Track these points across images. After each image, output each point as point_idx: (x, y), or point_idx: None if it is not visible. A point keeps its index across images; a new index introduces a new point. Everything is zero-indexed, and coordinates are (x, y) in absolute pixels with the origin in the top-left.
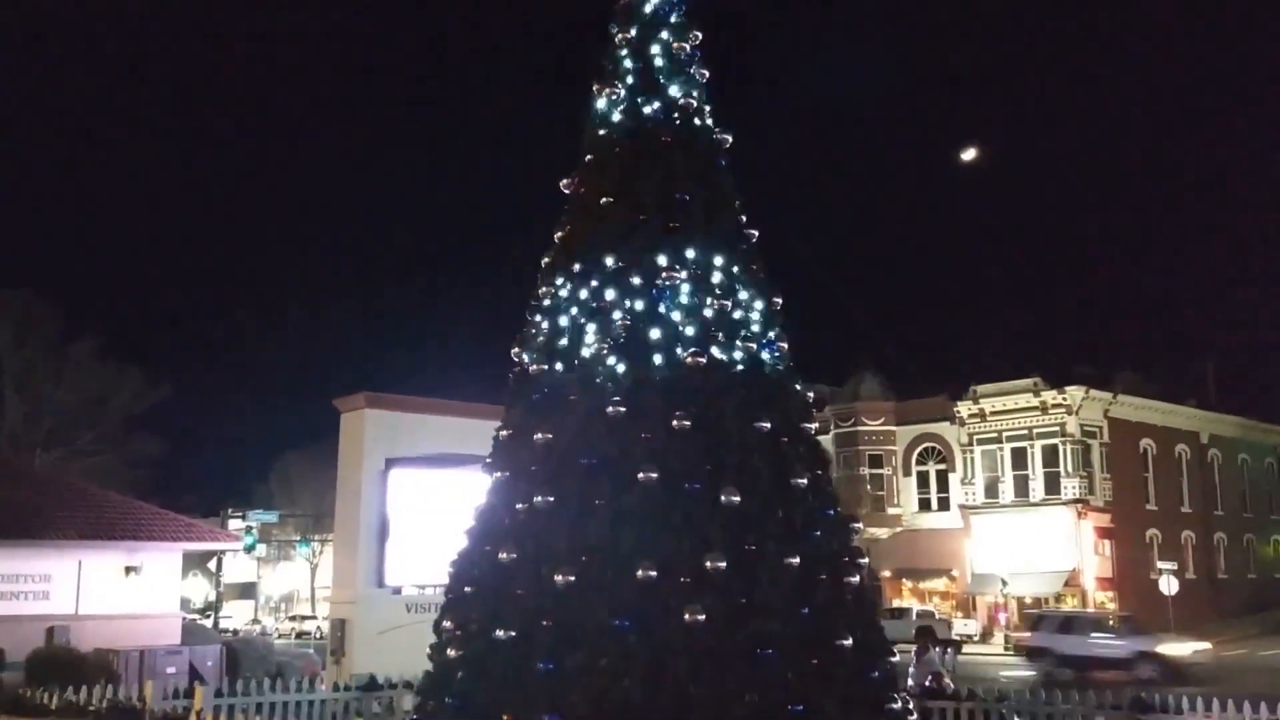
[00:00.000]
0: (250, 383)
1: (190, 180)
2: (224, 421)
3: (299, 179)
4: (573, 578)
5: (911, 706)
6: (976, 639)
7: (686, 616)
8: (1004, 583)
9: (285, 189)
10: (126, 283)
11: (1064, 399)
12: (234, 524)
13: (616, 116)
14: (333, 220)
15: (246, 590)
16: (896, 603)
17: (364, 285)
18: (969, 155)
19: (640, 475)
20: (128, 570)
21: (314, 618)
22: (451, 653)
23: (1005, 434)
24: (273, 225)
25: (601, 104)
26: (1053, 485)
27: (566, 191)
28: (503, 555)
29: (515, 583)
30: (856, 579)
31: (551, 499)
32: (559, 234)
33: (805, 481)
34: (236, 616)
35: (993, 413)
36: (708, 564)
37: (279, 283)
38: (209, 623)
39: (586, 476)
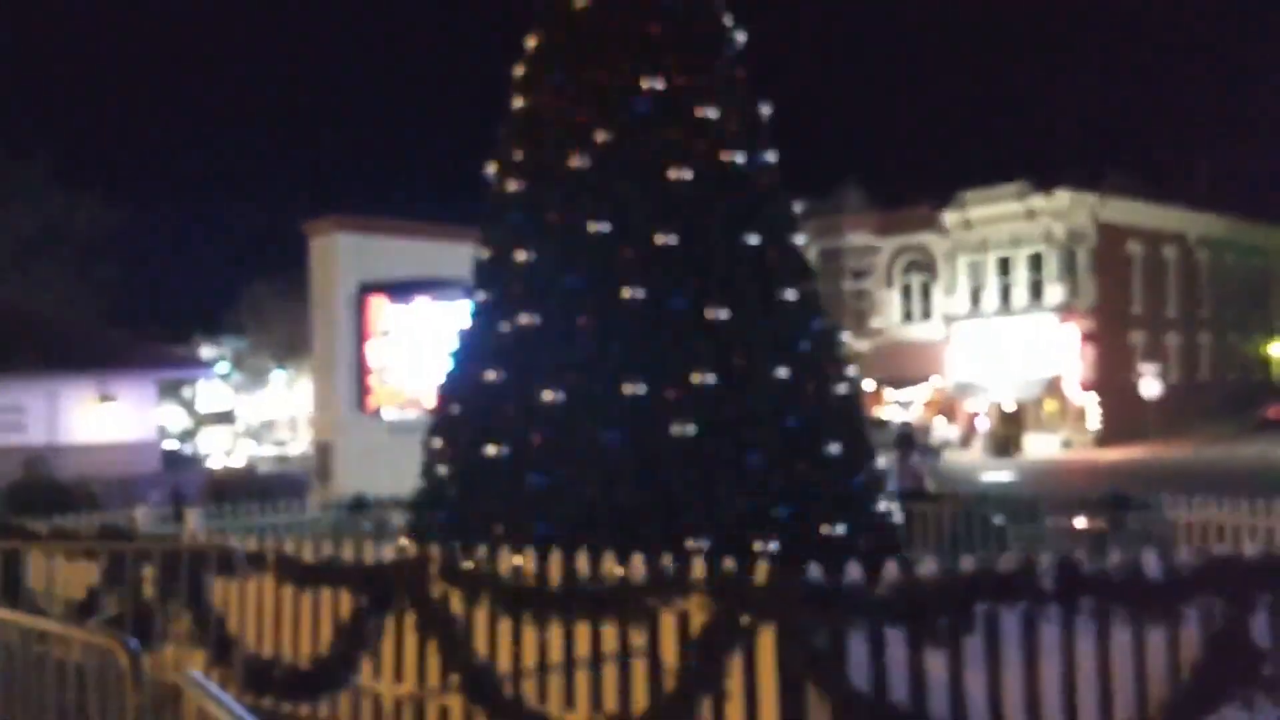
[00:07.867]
0: (214, 210)
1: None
2: (189, 250)
3: None
4: (561, 395)
5: (895, 509)
6: (956, 445)
7: (675, 430)
8: (984, 390)
9: (250, 5)
10: (82, 104)
11: (1051, 203)
12: (205, 352)
13: None
14: (299, 38)
15: (224, 417)
16: (877, 411)
17: (332, 107)
18: None
19: (625, 293)
20: (102, 399)
21: (290, 442)
22: (442, 469)
23: (991, 242)
24: (236, 44)
25: None
26: (1036, 293)
27: None
28: (490, 375)
29: (503, 401)
30: (844, 388)
31: (537, 319)
32: (532, 43)
33: (792, 295)
34: (215, 444)
35: (978, 221)
36: (694, 379)
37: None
38: (188, 450)
39: (571, 296)
